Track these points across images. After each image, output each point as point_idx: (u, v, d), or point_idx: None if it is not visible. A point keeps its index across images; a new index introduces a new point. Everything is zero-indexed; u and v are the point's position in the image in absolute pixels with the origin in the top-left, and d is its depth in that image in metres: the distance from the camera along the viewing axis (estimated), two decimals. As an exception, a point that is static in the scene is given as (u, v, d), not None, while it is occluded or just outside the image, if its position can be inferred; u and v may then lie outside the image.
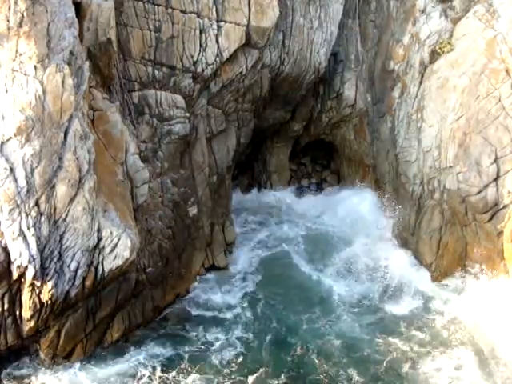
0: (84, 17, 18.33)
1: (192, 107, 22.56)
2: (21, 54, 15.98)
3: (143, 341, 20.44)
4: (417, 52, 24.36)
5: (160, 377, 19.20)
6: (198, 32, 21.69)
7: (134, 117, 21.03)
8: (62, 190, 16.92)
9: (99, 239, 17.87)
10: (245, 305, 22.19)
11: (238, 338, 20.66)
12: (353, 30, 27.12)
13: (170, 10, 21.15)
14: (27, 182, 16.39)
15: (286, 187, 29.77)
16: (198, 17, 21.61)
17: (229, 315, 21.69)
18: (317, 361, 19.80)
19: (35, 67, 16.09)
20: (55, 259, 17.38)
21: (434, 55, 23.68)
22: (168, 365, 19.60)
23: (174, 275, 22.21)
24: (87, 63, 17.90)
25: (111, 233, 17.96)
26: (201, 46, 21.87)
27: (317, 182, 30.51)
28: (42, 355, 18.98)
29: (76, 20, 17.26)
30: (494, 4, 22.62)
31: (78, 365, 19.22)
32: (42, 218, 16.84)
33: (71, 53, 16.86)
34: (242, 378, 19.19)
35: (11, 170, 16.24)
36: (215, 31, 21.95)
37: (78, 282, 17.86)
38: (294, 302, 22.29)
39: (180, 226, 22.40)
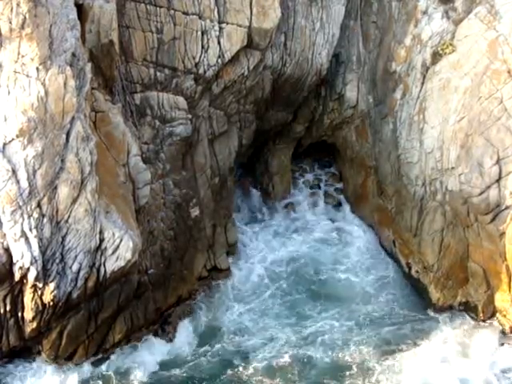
0: (86, 19, 18.38)
1: (194, 109, 22.57)
2: (23, 56, 16.01)
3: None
4: (419, 53, 24.32)
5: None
6: (199, 33, 21.70)
7: (135, 118, 21.05)
8: (64, 191, 16.93)
9: (101, 240, 17.89)
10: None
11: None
12: (355, 32, 27.11)
13: (171, 12, 21.18)
14: (29, 183, 16.40)
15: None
16: (200, 18, 21.63)
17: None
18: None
19: (37, 69, 16.11)
20: (57, 260, 17.40)
21: (436, 56, 23.64)
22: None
23: (176, 277, 22.23)
24: (89, 65, 17.93)
25: (113, 234, 17.98)
26: (202, 47, 21.89)
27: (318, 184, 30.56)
28: (44, 356, 19.02)
29: (78, 22, 17.31)
30: (496, 5, 22.58)
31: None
32: (44, 220, 16.85)
33: (73, 54, 16.90)
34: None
35: (13, 171, 16.27)
36: (217, 33, 21.95)
37: (80, 283, 17.88)
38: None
39: (182, 228, 22.40)
